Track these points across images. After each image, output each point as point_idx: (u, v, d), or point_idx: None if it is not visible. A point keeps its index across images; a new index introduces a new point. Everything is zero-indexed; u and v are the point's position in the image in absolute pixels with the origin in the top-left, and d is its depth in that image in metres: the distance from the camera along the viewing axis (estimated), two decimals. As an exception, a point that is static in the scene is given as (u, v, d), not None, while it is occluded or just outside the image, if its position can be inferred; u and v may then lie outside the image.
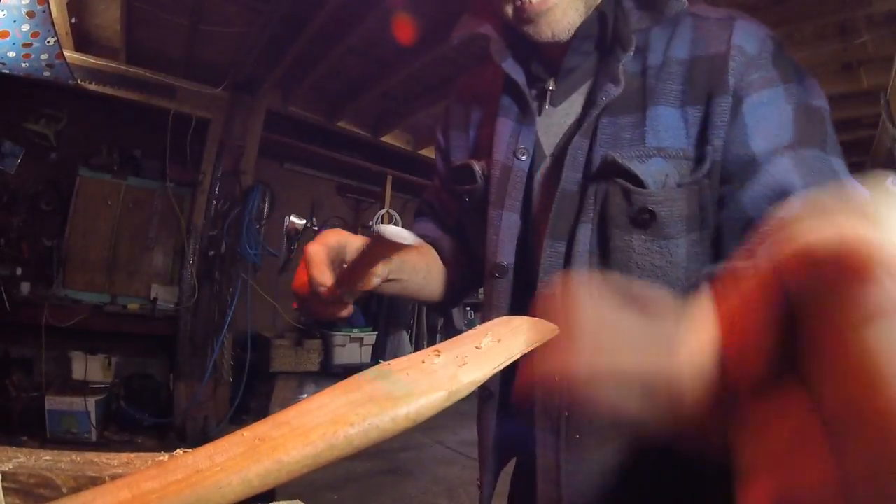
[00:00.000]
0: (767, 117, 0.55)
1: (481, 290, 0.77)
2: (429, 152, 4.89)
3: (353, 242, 0.61)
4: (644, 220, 0.57)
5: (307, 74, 3.58)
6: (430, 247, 0.75)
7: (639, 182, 0.57)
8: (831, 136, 0.56)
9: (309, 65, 3.45)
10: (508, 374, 0.71)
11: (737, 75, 0.57)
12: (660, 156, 0.58)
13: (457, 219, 0.84)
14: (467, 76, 0.87)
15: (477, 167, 0.73)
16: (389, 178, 5.06)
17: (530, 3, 0.60)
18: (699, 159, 0.57)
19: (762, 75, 0.56)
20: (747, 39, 0.58)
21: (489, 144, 0.72)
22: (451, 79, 3.51)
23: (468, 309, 5.48)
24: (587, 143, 0.62)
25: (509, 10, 0.63)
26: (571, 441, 0.59)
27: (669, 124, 0.59)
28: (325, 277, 0.57)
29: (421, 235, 0.75)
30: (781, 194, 0.52)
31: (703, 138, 0.57)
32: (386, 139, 4.71)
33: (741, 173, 0.55)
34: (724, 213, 0.57)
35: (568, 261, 0.61)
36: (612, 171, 0.59)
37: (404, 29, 2.88)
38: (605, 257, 0.60)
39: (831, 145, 0.55)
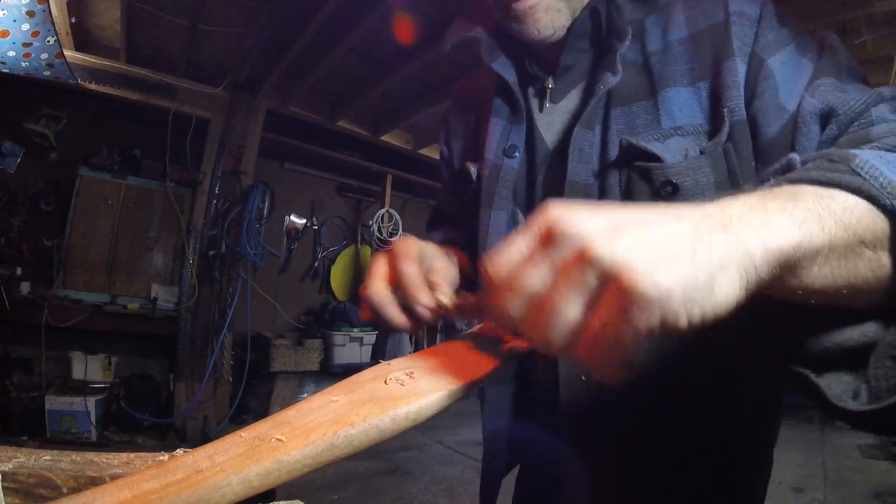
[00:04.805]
0: (791, 78, 0.55)
1: None
2: (428, 152, 4.89)
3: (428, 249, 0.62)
4: (667, 193, 0.56)
5: (307, 74, 3.57)
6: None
7: (657, 160, 0.56)
8: (845, 63, 0.55)
9: (309, 65, 3.44)
10: (522, 379, 0.71)
11: (742, 37, 0.56)
12: (677, 134, 0.58)
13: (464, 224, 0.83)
14: (464, 83, 0.88)
15: (472, 168, 0.74)
16: (389, 178, 5.06)
17: (516, 1, 0.61)
18: (717, 125, 0.56)
19: (776, 35, 0.56)
20: (744, 4, 0.58)
21: (483, 146, 0.73)
22: (451, 78, 3.51)
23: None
24: (591, 134, 0.61)
25: (499, 10, 0.64)
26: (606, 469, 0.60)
27: (683, 103, 0.58)
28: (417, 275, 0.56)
29: (447, 241, 0.73)
30: (822, 123, 0.51)
31: (717, 105, 0.57)
32: (386, 139, 4.71)
33: (786, 139, 0.53)
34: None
35: None
36: (631, 155, 0.58)
37: (404, 29, 2.87)
38: None
39: (846, 71, 0.54)
